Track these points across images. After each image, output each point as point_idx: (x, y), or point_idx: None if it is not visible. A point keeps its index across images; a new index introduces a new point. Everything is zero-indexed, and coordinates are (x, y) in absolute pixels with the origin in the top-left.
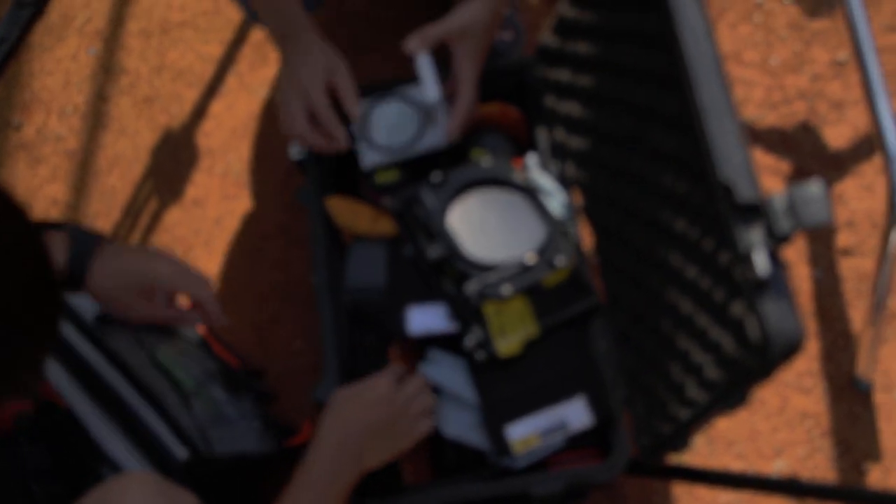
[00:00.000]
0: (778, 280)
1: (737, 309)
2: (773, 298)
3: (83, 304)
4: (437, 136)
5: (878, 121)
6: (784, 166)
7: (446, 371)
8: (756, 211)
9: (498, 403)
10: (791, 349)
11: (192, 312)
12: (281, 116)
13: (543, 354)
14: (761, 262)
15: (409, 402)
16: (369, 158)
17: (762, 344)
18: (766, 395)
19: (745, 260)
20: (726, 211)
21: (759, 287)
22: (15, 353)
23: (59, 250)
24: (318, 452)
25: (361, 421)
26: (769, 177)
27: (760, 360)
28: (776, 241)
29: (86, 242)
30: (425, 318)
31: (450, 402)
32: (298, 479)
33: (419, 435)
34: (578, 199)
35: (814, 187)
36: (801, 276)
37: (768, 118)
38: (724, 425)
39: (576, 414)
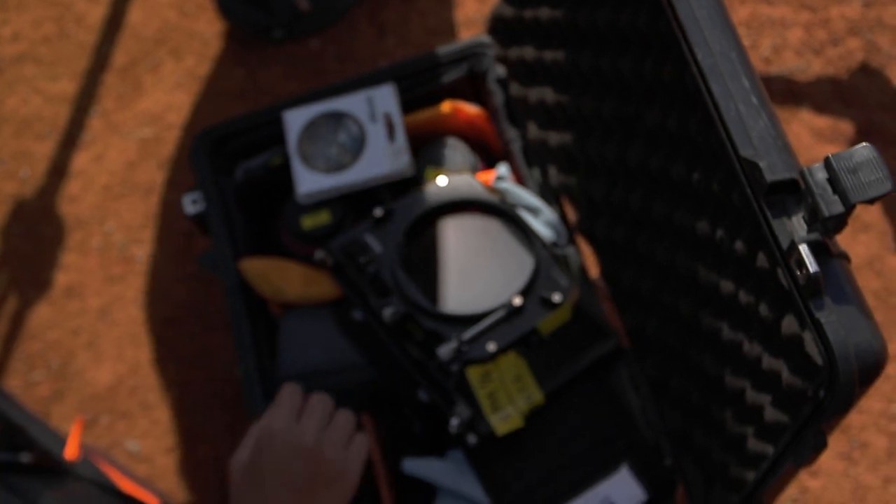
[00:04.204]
0: (837, 278)
1: (790, 325)
2: (834, 303)
3: None
4: (394, 162)
5: None
6: (845, 128)
7: (441, 466)
8: (794, 190)
9: (517, 500)
10: (870, 367)
11: None
12: None
13: (560, 422)
14: (810, 257)
15: (325, 431)
16: (308, 184)
17: (828, 365)
18: (868, 435)
19: (789, 258)
20: (755, 197)
21: (812, 291)
22: None
23: None
24: None
25: (281, 488)
26: (826, 145)
27: (830, 386)
28: (826, 227)
29: None
30: None
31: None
32: None
33: (359, 462)
34: (571, 212)
35: (861, 150)
36: (892, 269)
37: (813, 66)
38: (819, 484)
39: (622, 489)
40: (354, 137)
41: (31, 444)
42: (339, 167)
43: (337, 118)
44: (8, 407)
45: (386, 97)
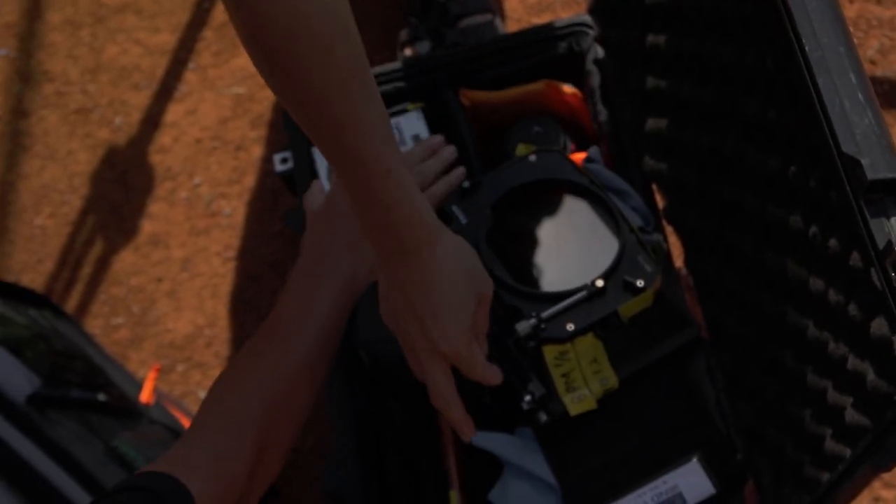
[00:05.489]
0: None
1: (880, 327)
2: None
3: (12, 380)
4: None
5: None
6: None
7: (509, 441)
8: (894, 190)
9: (583, 481)
10: None
11: None
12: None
13: (633, 408)
14: None
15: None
16: None
17: None
18: None
19: (885, 259)
20: (854, 195)
21: None
22: None
23: None
24: (301, 262)
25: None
26: None
27: None
28: None
29: None
30: None
31: (517, 480)
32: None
33: None
34: (660, 198)
35: None
36: None
37: None
38: (893, 496)
39: (691, 481)
40: None
41: (108, 386)
42: None
43: None
44: (88, 348)
45: (413, 121)
